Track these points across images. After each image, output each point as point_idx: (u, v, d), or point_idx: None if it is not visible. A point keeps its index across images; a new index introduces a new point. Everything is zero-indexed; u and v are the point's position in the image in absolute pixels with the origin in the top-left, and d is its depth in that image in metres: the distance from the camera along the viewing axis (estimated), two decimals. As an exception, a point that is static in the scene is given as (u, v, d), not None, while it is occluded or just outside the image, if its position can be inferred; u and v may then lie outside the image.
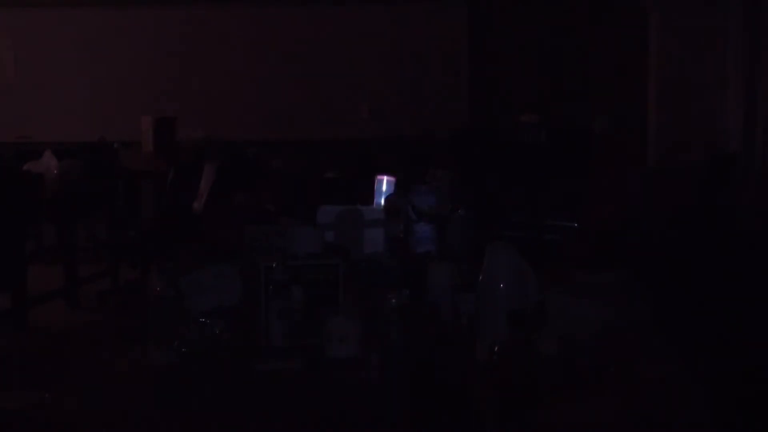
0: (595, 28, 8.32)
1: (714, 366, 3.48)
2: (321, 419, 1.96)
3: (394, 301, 2.42)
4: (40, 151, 6.19)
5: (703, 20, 7.93)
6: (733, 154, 7.34)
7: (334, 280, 2.52)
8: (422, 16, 8.56)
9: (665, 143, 8.07)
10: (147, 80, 8.59)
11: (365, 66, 8.60)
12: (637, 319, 2.56)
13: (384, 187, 3.48)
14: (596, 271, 2.98)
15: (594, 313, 2.46)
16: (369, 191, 3.52)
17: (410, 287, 2.57)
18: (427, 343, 2.44)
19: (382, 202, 3.40)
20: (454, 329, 2.51)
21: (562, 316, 2.42)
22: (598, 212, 4.98)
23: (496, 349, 1.90)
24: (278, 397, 2.10)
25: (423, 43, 8.55)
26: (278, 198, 5.49)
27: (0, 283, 5.46)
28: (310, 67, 8.62)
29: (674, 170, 7.44)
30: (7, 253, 5.50)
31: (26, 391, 2.11)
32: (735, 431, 3.01)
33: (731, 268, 4.91)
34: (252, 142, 8.00)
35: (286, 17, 8.66)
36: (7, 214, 5.46)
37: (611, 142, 7.52)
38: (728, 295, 4.55)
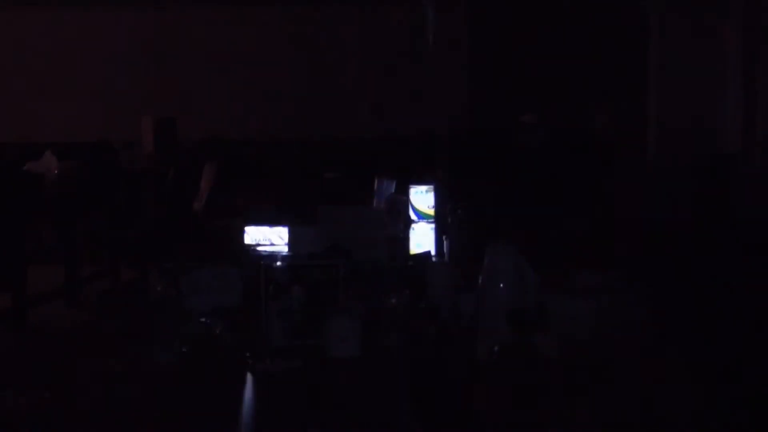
0: (595, 28, 8.32)
1: (714, 366, 3.48)
2: (321, 419, 1.96)
3: (394, 301, 2.42)
4: (40, 151, 6.20)
5: (703, 20, 7.94)
6: (733, 154, 7.34)
7: (334, 280, 2.51)
8: (422, 17, 8.56)
9: (665, 143, 8.07)
10: (147, 80, 8.59)
11: (365, 66, 8.60)
12: (637, 319, 2.56)
13: (384, 187, 3.48)
14: (596, 271, 2.98)
15: (594, 314, 2.46)
16: (369, 191, 3.52)
17: (410, 287, 2.57)
18: (427, 343, 2.44)
19: (382, 202, 3.40)
20: (454, 329, 2.51)
21: (562, 316, 2.42)
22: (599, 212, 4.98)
23: (496, 349, 1.90)
24: (278, 397, 2.10)
25: (423, 43, 8.55)
26: (278, 198, 5.49)
27: (0, 283, 5.46)
28: (310, 67, 8.62)
29: (674, 170, 7.44)
30: (7, 253, 5.50)
31: (26, 391, 2.11)
32: (735, 431, 3.01)
33: (731, 267, 4.91)
34: (252, 142, 8.01)
35: (286, 17, 8.66)
36: (7, 214, 5.46)
37: (611, 142, 7.53)
38: (728, 295, 4.55)
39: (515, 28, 8.48)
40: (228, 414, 1.99)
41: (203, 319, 2.44)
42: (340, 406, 2.05)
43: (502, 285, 2.38)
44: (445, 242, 3.14)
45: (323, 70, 8.62)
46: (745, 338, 4.10)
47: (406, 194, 3.32)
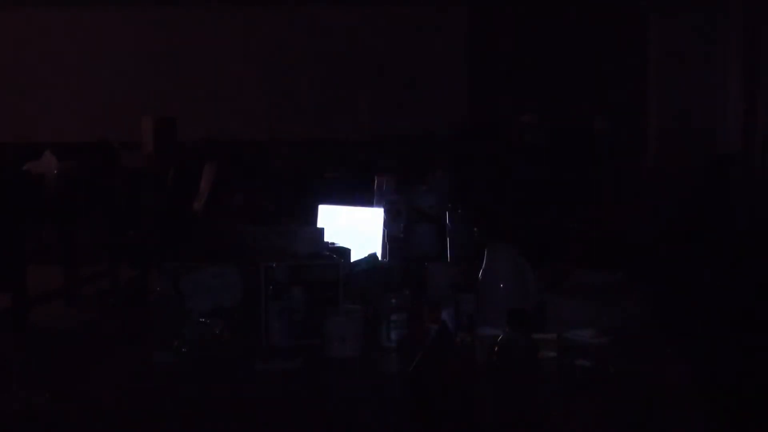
0: (595, 28, 8.32)
1: (714, 366, 3.49)
2: (321, 419, 1.96)
3: (394, 301, 2.42)
4: (40, 151, 6.20)
5: (703, 21, 7.94)
6: (732, 154, 7.34)
7: (334, 280, 2.51)
8: (422, 16, 8.56)
9: (665, 143, 8.07)
10: (147, 80, 8.59)
11: (365, 66, 8.60)
12: (637, 319, 2.56)
13: (384, 187, 3.48)
14: (596, 271, 2.98)
15: (594, 313, 2.46)
16: (369, 191, 3.52)
17: (410, 287, 2.57)
18: (427, 342, 2.44)
19: (382, 202, 3.40)
20: (454, 329, 2.51)
21: (562, 316, 2.42)
22: (598, 212, 4.98)
23: (496, 349, 1.90)
24: (278, 397, 2.10)
25: (423, 43, 8.56)
26: (278, 198, 5.49)
27: (0, 283, 5.46)
28: (310, 67, 8.63)
29: (674, 170, 7.44)
30: (7, 253, 5.50)
31: (26, 391, 2.11)
32: (736, 431, 3.02)
33: (730, 267, 4.91)
34: (252, 142, 8.02)
35: (286, 17, 8.66)
36: (7, 214, 5.46)
37: (611, 142, 7.53)
38: (728, 295, 4.55)
39: (515, 28, 8.48)
40: (228, 414, 1.99)
41: (203, 319, 2.44)
42: (340, 406, 2.05)
43: (502, 285, 2.38)
44: (445, 242, 3.13)
45: (323, 70, 8.63)
46: (746, 339, 4.10)
47: (406, 194, 3.31)
